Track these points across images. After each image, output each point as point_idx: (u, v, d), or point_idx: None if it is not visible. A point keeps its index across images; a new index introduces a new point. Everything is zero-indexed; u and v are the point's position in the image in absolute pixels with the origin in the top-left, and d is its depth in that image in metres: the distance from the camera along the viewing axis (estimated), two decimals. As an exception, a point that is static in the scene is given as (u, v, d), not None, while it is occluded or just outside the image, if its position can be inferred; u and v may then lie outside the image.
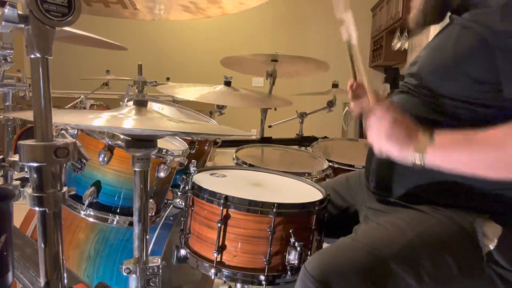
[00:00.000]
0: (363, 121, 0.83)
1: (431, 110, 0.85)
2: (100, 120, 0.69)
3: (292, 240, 0.86)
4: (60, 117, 0.65)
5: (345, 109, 4.40)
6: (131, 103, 0.78)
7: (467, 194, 0.82)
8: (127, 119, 0.71)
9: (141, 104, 0.76)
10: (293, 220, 0.89)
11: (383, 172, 0.93)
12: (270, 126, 2.39)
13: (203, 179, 1.02)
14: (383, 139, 0.77)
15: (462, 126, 0.78)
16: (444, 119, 0.83)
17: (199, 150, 1.45)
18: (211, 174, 1.11)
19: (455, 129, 0.76)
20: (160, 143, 0.79)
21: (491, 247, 0.77)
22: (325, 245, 1.03)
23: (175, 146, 1.21)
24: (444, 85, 0.83)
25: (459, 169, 0.74)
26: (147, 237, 0.73)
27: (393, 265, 0.74)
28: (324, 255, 0.79)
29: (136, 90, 0.76)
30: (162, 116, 0.81)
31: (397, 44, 4.13)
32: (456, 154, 0.74)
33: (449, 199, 0.83)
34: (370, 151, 1.01)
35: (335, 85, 2.28)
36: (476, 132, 0.73)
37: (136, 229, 0.72)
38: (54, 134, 0.49)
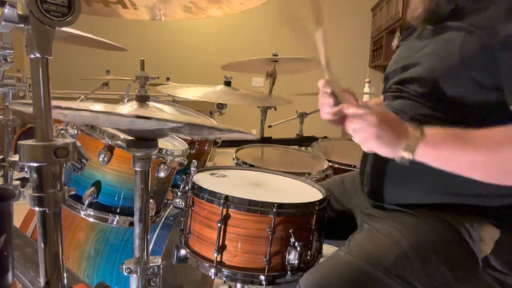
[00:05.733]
0: (345, 124, 0.80)
1: (439, 112, 0.84)
2: (100, 107, 0.68)
3: (292, 240, 0.86)
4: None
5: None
6: (131, 103, 0.77)
7: (465, 198, 0.81)
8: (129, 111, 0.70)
9: (143, 99, 0.74)
10: (293, 220, 0.89)
11: (378, 175, 0.92)
12: (270, 126, 2.39)
13: (203, 179, 1.02)
14: (372, 141, 0.74)
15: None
16: (452, 119, 0.81)
17: (199, 150, 1.45)
18: (211, 174, 1.11)
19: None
20: (160, 143, 0.78)
21: (488, 252, 0.76)
22: (324, 246, 1.03)
23: (175, 146, 1.21)
24: (452, 91, 0.81)
25: (449, 167, 0.73)
26: (148, 237, 0.73)
27: (387, 278, 0.74)
28: (318, 272, 0.79)
29: (139, 86, 0.74)
30: (165, 112, 0.80)
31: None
32: (447, 152, 0.72)
33: (446, 203, 0.82)
34: (365, 153, 1.01)
35: (335, 85, 2.27)
36: (471, 131, 0.71)
37: (137, 229, 0.72)
38: (54, 134, 0.49)
